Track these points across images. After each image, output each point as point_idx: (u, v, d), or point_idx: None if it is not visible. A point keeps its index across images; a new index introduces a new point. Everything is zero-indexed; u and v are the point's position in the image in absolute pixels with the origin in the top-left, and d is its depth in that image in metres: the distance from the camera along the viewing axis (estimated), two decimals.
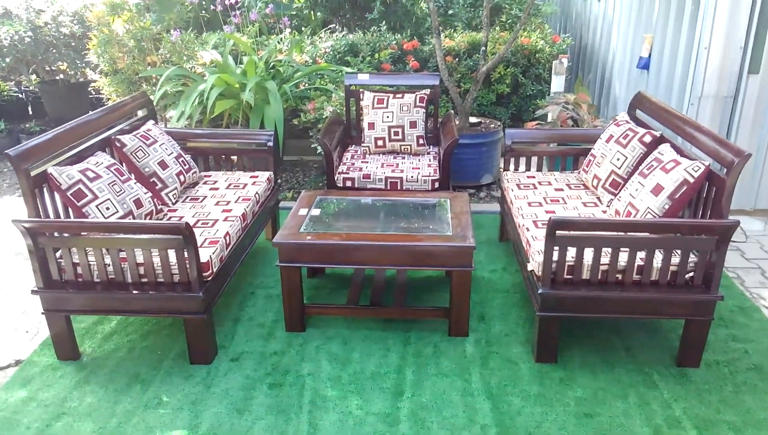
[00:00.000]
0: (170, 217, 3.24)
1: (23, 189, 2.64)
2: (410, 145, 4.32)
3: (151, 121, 3.68)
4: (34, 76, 6.70)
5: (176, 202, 3.45)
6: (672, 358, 2.89)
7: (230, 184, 3.72)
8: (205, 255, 2.77)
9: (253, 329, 3.13)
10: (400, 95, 4.35)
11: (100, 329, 3.13)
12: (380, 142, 4.33)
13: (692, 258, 2.69)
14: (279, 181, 5.04)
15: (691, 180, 2.73)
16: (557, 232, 2.61)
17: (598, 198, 3.45)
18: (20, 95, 7.23)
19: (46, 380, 2.76)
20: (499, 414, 2.54)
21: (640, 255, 2.69)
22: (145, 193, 3.09)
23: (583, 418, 2.51)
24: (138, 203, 3.00)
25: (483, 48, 5.00)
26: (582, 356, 2.91)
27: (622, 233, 2.62)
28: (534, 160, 4.03)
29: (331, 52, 5.78)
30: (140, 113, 3.90)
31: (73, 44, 5.89)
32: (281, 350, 2.96)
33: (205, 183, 3.76)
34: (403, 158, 4.28)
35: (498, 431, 2.44)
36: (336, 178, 3.97)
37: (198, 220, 3.20)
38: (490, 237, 4.18)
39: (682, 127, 3.15)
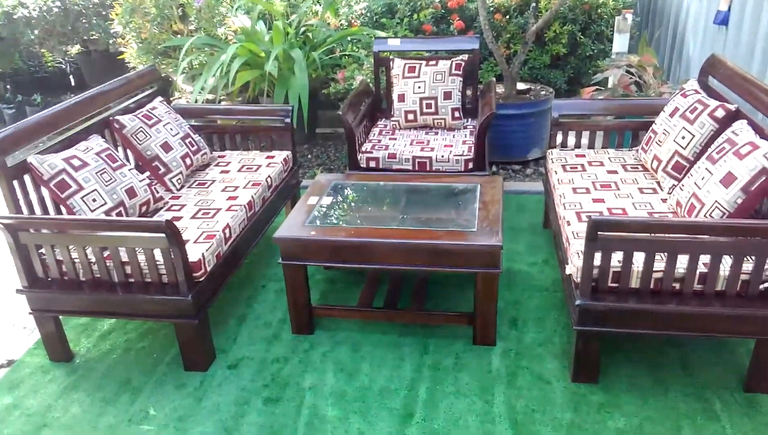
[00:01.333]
0: (171, 207, 2.97)
1: (1, 182, 2.42)
2: (444, 119, 3.88)
3: (159, 99, 3.40)
4: (77, 47, 6.60)
5: (182, 187, 3.18)
6: (740, 381, 2.41)
7: (243, 166, 3.42)
8: (196, 253, 2.49)
9: (258, 330, 2.86)
10: (434, 62, 3.90)
11: (98, 326, 2.94)
12: (411, 116, 3.90)
13: None
14: (299, 160, 4.74)
15: None
16: (599, 233, 2.16)
17: (659, 183, 2.93)
18: (63, 66, 7.18)
19: (34, 385, 2.59)
20: None
21: (704, 259, 2.21)
22: (141, 181, 2.83)
23: None
24: (131, 193, 2.74)
25: (534, 3, 4.43)
26: (629, 375, 2.47)
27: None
28: (586, 134, 3.51)
29: (367, 14, 5.33)
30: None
31: (103, 13, 5.70)
32: (284, 356, 2.67)
33: (217, 164, 3.47)
34: (436, 134, 3.85)
35: None
36: (359, 158, 3.60)
37: (200, 210, 2.92)
38: (534, 222, 3.72)
39: (763, 99, 2.57)
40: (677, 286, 2.25)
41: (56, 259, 2.50)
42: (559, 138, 3.46)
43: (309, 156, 4.93)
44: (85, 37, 5.95)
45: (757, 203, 2.28)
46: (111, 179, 2.69)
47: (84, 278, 2.51)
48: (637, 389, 2.39)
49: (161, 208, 2.96)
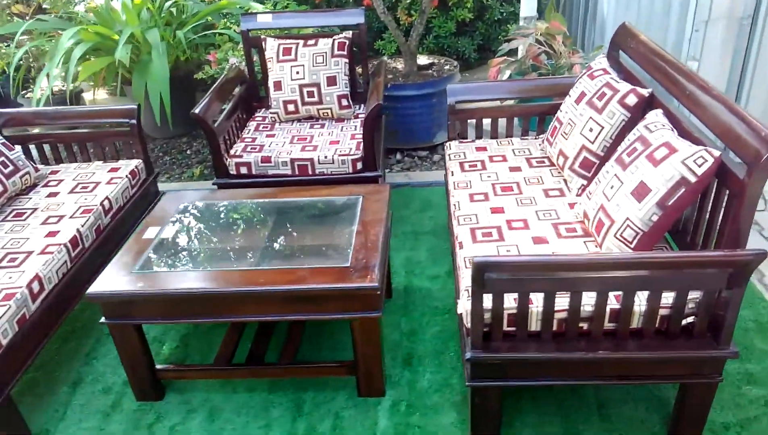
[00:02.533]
0: None
1: None
2: (330, 108, 3.33)
3: None
4: None
5: None
6: (664, 424, 2.05)
7: (77, 185, 2.79)
8: None
9: (95, 399, 2.30)
10: (312, 42, 3.31)
11: None
12: (291, 107, 3.33)
13: (694, 295, 1.78)
14: (176, 158, 4.12)
15: (692, 179, 1.78)
16: (486, 275, 1.70)
17: (566, 182, 2.51)
18: None
19: None
20: None
21: (616, 293, 1.80)
22: None
23: None
24: None
25: None
26: (536, 425, 2.07)
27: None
28: (487, 122, 3.05)
29: None
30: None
31: None
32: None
33: (46, 184, 2.82)
34: (322, 127, 3.30)
35: None
36: (227, 163, 3.02)
37: (7, 254, 2.30)
38: (439, 221, 3.27)
39: (680, 82, 2.15)
40: (585, 326, 1.84)
41: None
42: (458, 127, 2.98)
43: (188, 151, 4.29)
44: None
45: (675, 218, 1.87)
46: None
47: None
48: None
49: None
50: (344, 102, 3.32)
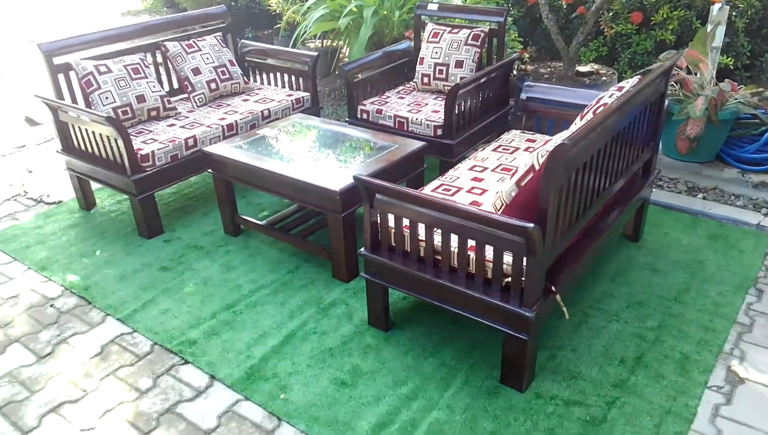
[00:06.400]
0: (177, 116, 3.85)
1: (48, 73, 3.55)
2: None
3: (216, 35, 4.27)
4: None
5: (203, 105, 4.04)
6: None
7: (262, 98, 4.14)
8: (149, 149, 3.35)
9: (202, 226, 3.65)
10: (456, 30, 4.06)
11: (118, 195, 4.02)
12: (426, 80, 4.15)
13: (508, 259, 2.18)
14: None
15: None
16: (376, 196, 2.40)
17: None
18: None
19: (59, 218, 3.77)
20: None
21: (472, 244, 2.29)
22: (154, 92, 3.75)
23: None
24: (140, 99, 3.68)
25: None
26: (414, 335, 2.66)
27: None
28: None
29: None
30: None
31: None
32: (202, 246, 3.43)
33: (249, 94, 4.26)
34: (441, 100, 4.05)
35: None
36: (357, 108, 4.03)
37: (192, 123, 3.74)
38: None
39: None
40: (440, 257, 2.38)
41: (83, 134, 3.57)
42: (525, 121, 3.44)
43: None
44: None
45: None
46: (126, 85, 3.65)
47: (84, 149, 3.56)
48: (412, 352, 2.59)
49: (172, 116, 3.86)
50: None
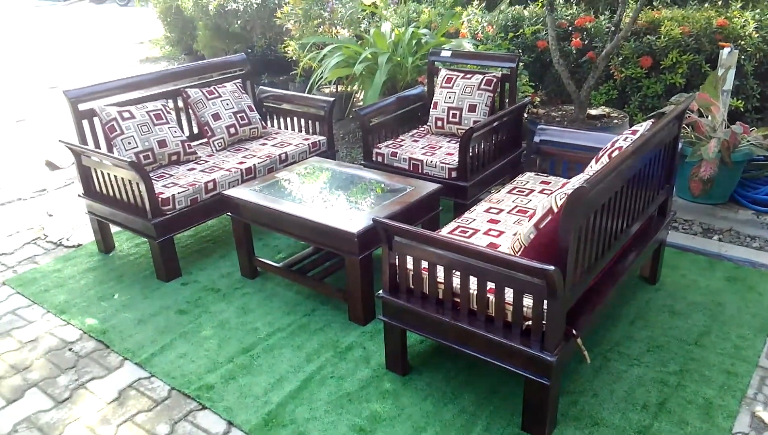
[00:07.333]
0: (198, 160, 3.93)
1: (73, 119, 3.65)
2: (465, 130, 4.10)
3: (235, 82, 4.39)
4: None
5: (222, 149, 4.13)
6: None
7: (280, 142, 4.22)
8: (169, 192, 3.41)
9: (218, 272, 3.68)
10: (469, 75, 4.14)
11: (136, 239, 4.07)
12: (440, 123, 4.22)
13: (528, 302, 2.18)
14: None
15: None
16: (395, 238, 2.43)
17: None
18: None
19: (79, 261, 3.82)
20: None
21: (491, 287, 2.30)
22: (175, 137, 3.84)
23: None
24: (162, 144, 3.77)
25: (611, 27, 4.26)
26: (432, 381, 2.64)
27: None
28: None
29: (495, 27, 5.61)
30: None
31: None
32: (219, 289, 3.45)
33: (267, 138, 4.34)
34: (455, 143, 4.11)
35: None
36: (372, 151, 4.09)
37: (211, 167, 3.82)
38: None
39: None
40: (458, 300, 2.38)
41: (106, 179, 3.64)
42: (539, 163, 3.48)
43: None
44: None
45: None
46: (148, 131, 3.74)
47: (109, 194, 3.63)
48: (431, 397, 2.56)
49: (192, 160, 3.94)
50: None
